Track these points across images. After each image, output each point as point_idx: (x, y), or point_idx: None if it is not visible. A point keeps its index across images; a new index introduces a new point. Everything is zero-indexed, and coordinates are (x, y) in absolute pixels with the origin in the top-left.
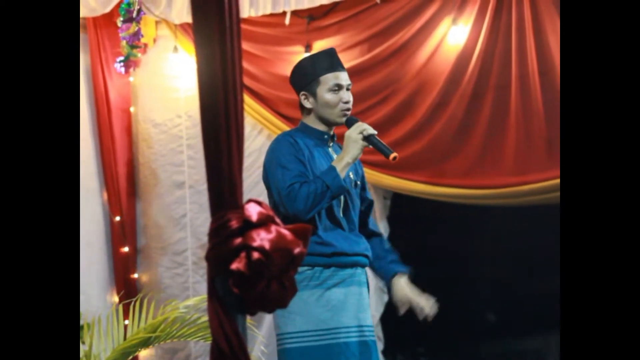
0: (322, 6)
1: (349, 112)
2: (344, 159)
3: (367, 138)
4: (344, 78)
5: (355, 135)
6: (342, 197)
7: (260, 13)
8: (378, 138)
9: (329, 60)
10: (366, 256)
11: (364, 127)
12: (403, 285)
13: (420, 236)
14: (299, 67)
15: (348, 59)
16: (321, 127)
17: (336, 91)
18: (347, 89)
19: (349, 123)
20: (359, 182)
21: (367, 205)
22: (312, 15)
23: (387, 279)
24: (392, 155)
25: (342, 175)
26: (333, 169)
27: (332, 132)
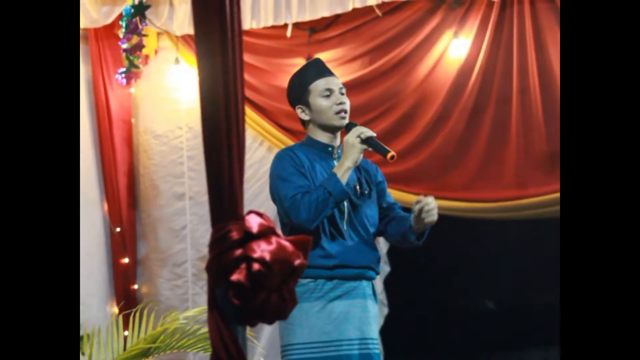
0: (323, 19)
1: (345, 114)
2: (344, 164)
3: (365, 140)
4: (334, 82)
5: (353, 139)
6: (345, 209)
7: (262, 25)
8: (376, 140)
9: (316, 69)
10: (372, 269)
11: (362, 131)
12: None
13: (422, 249)
14: (290, 83)
15: (349, 72)
16: (325, 139)
17: (328, 96)
18: (341, 93)
19: (348, 128)
20: (366, 192)
21: (388, 207)
22: (313, 27)
23: (406, 228)
24: (389, 155)
25: (344, 180)
26: (334, 175)
27: (337, 144)
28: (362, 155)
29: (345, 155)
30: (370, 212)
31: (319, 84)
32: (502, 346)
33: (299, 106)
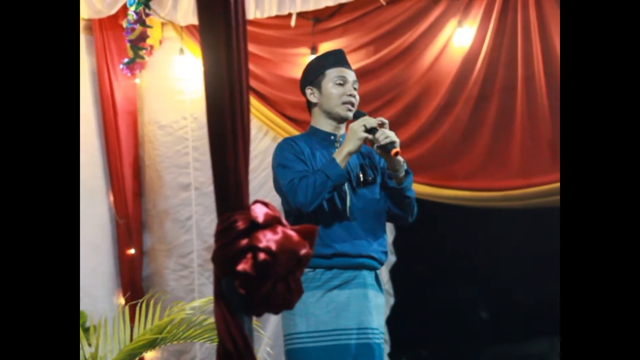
0: (327, 8)
1: (353, 107)
2: (344, 149)
3: (369, 130)
4: (350, 75)
5: (357, 126)
6: (347, 196)
7: (266, 15)
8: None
9: (336, 57)
10: (373, 258)
11: (369, 120)
12: None
13: (426, 239)
14: (308, 66)
15: (353, 61)
16: (328, 128)
17: (341, 84)
18: (354, 87)
19: (356, 117)
20: (370, 178)
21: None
22: (317, 17)
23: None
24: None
25: (343, 165)
26: (333, 159)
27: (340, 133)
28: (362, 144)
29: (346, 141)
30: (375, 199)
31: (336, 71)
32: (507, 335)
33: (310, 87)
